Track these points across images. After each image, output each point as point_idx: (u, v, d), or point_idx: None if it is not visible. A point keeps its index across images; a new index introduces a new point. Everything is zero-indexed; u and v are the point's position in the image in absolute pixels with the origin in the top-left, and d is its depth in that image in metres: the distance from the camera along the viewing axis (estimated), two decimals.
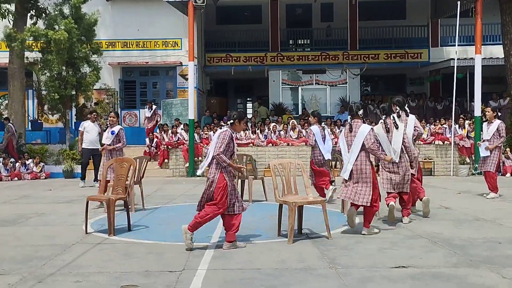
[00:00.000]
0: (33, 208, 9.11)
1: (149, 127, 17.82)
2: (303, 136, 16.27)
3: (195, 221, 5.69)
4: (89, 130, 12.39)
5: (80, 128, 12.58)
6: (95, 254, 5.59)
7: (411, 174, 7.29)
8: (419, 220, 7.44)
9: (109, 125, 9.61)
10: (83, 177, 12.98)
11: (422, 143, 16.00)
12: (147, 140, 17.11)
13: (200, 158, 15.97)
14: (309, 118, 9.95)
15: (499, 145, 9.92)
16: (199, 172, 6.29)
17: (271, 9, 21.56)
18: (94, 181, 12.76)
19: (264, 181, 10.02)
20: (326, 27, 22.27)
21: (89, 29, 16.57)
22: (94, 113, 13.13)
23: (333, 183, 9.29)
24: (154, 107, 18.15)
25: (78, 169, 14.44)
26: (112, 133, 9.31)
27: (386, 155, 6.76)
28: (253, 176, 9.91)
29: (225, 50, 21.51)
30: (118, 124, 10.20)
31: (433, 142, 15.97)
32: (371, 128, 6.47)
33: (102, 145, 10.06)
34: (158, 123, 17.86)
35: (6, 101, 17.99)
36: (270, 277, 4.64)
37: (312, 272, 4.77)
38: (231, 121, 5.83)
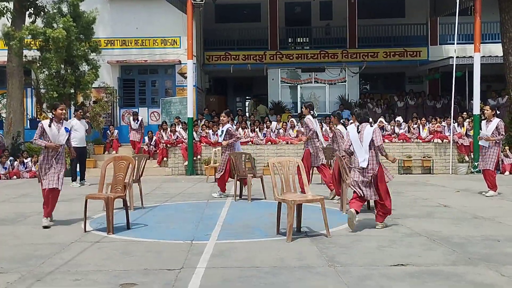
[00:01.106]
0: (32, 207, 9.10)
1: (137, 141, 17.01)
2: (302, 135, 16.32)
3: (384, 211, 6.55)
4: (77, 128, 12.38)
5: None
6: (93, 253, 5.58)
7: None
8: (418, 219, 7.45)
9: (54, 120, 7.41)
10: (74, 178, 12.78)
11: (421, 141, 16.02)
12: (146, 138, 17.11)
13: (199, 157, 15.97)
14: (221, 118, 10.80)
15: (498, 141, 9.94)
16: (364, 165, 6.44)
17: (270, 7, 21.54)
18: (81, 180, 12.73)
19: (263, 179, 10.02)
20: (325, 25, 22.26)
21: (87, 27, 16.53)
22: (80, 111, 13.09)
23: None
24: (140, 118, 17.40)
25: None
26: (66, 130, 7.47)
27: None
28: (252, 175, 9.92)
29: (224, 48, 21.49)
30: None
31: (432, 140, 15.98)
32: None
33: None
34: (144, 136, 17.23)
35: (5, 100, 17.96)
36: (269, 275, 4.63)
37: (311, 270, 4.76)
38: (371, 120, 6.58)
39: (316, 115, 10.00)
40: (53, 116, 7.52)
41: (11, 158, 15.62)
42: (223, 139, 10.17)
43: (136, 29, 19.54)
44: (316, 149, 10.03)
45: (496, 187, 10.02)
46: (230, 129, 10.18)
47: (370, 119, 7.28)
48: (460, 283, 4.34)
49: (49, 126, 7.28)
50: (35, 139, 7.21)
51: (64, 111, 7.53)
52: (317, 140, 10.05)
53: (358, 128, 6.79)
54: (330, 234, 6.17)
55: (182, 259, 5.21)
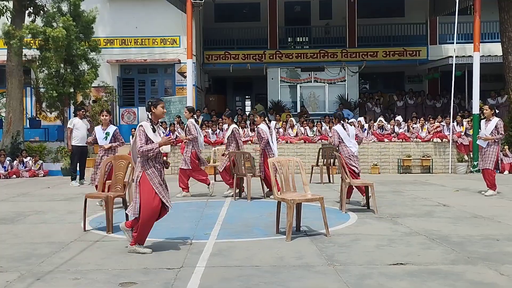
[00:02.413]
0: (31, 206, 9.10)
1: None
2: (301, 134, 16.34)
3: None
4: (79, 127, 12.40)
5: (69, 125, 12.57)
6: (93, 252, 5.59)
7: None
8: (417, 218, 7.46)
9: (153, 122, 5.74)
10: (74, 177, 12.78)
11: (420, 140, 16.02)
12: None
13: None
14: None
15: (497, 140, 9.95)
16: (356, 153, 8.76)
17: (269, 7, 21.55)
18: (80, 179, 12.72)
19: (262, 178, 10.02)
20: (325, 24, 22.27)
21: (87, 26, 16.53)
22: (82, 110, 13.11)
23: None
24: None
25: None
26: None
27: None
28: (251, 174, 9.92)
29: (223, 47, 21.50)
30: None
31: (432, 139, 15.98)
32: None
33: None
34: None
35: (4, 99, 17.95)
36: (268, 274, 4.64)
37: (310, 269, 4.77)
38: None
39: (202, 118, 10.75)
40: (150, 116, 5.65)
41: (8, 158, 15.59)
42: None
43: (135, 29, 19.55)
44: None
45: (495, 186, 10.02)
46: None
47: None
48: (459, 282, 4.35)
49: (154, 131, 5.54)
50: (141, 147, 5.36)
51: (165, 110, 5.71)
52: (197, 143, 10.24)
53: (343, 127, 8.68)
54: (329, 233, 6.17)
55: (182, 258, 5.22)
